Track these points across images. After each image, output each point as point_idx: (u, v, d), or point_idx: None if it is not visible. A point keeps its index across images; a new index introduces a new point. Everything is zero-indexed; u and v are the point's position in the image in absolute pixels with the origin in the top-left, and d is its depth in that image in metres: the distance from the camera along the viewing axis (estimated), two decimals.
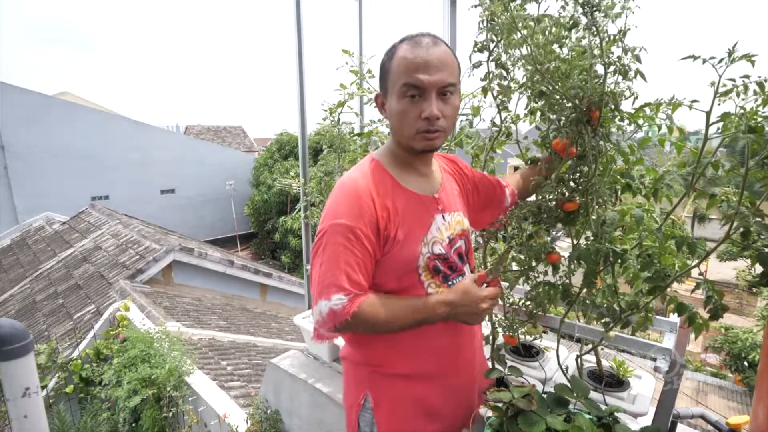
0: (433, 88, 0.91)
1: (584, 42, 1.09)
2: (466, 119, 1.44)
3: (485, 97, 1.28)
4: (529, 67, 1.11)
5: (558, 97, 1.10)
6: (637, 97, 1.06)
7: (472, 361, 1.13)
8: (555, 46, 1.14)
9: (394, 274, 0.97)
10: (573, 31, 1.12)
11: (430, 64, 0.90)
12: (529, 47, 1.07)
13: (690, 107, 0.89)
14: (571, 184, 1.20)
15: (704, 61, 0.83)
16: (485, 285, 1.05)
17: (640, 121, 1.09)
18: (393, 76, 0.93)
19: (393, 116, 0.96)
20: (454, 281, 1.04)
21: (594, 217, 1.15)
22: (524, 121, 1.32)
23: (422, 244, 0.98)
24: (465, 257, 1.09)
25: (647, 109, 1.05)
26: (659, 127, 1.06)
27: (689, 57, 0.86)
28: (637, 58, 1.01)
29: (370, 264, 0.93)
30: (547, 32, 1.10)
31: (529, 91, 1.19)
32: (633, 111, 1.09)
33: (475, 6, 1.14)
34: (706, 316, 1.00)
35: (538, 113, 1.23)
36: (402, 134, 0.96)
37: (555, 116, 1.14)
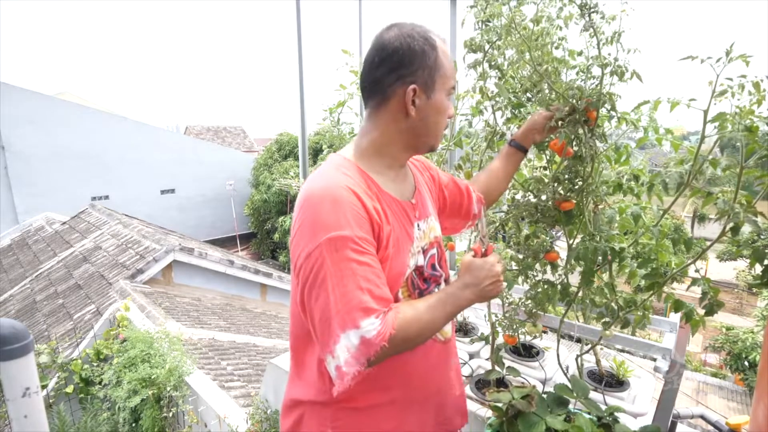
0: None
1: (581, 42, 1.09)
2: (466, 119, 1.44)
3: (482, 97, 1.28)
4: (527, 68, 1.11)
5: (554, 97, 1.10)
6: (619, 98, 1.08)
7: (447, 378, 1.02)
8: (552, 47, 1.15)
9: None
10: (567, 30, 1.13)
11: None
12: (527, 48, 1.07)
13: (688, 106, 0.90)
14: (561, 187, 1.20)
15: (702, 61, 0.84)
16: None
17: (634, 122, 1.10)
18: (443, 72, 0.87)
19: (437, 113, 0.89)
20: (431, 294, 0.93)
21: (589, 217, 1.15)
22: (508, 129, 1.33)
23: (410, 255, 0.89)
24: (438, 266, 0.99)
25: (643, 108, 1.07)
26: (645, 129, 1.08)
27: (688, 57, 0.86)
28: (605, 66, 1.01)
29: (383, 273, 0.80)
30: (544, 33, 1.11)
31: (513, 97, 1.21)
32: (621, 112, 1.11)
33: (472, 6, 1.15)
34: (702, 313, 1.01)
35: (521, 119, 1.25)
36: (438, 132, 0.92)
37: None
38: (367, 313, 0.73)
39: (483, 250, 0.90)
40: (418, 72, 0.84)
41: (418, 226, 0.94)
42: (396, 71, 0.84)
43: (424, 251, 0.95)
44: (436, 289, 0.96)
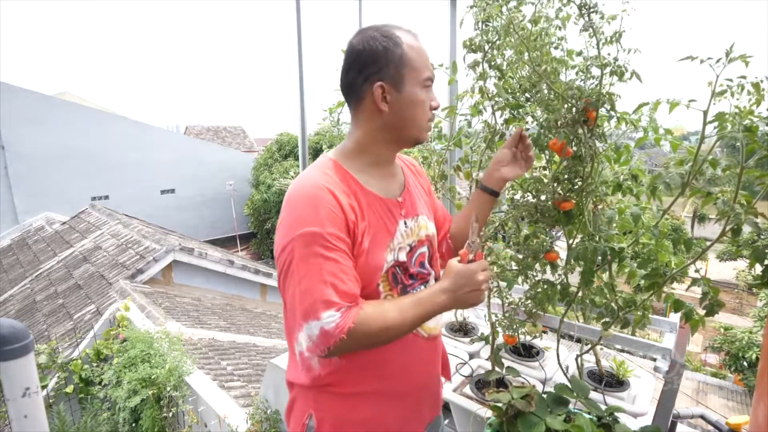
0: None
1: (581, 42, 1.09)
2: (465, 119, 1.44)
3: (481, 97, 1.28)
4: (527, 68, 1.11)
5: (553, 97, 1.10)
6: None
7: (430, 374, 1.05)
8: (551, 47, 1.15)
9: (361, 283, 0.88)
10: (566, 30, 1.13)
11: None
12: (526, 48, 1.07)
13: (687, 106, 0.90)
14: (560, 187, 1.20)
15: (702, 61, 0.84)
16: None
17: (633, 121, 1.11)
18: (413, 66, 0.89)
19: (410, 107, 0.90)
20: (415, 291, 0.97)
21: (589, 217, 1.16)
22: (507, 129, 1.33)
23: (388, 250, 0.91)
24: (429, 264, 1.01)
25: (643, 108, 1.07)
26: (645, 130, 1.08)
27: (688, 57, 0.86)
28: (604, 66, 1.01)
29: (353, 269, 0.84)
30: (543, 34, 1.11)
31: (512, 98, 1.21)
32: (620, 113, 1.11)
33: (471, 6, 1.15)
34: (702, 313, 1.02)
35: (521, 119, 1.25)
36: (416, 125, 0.93)
37: (552, 116, 1.14)
38: (328, 306, 0.78)
39: (471, 256, 0.89)
40: (384, 69, 0.88)
41: (405, 223, 0.96)
42: (363, 72, 0.89)
43: (412, 248, 0.97)
44: (422, 287, 0.98)
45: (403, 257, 0.94)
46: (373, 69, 0.88)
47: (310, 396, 0.95)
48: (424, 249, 1.00)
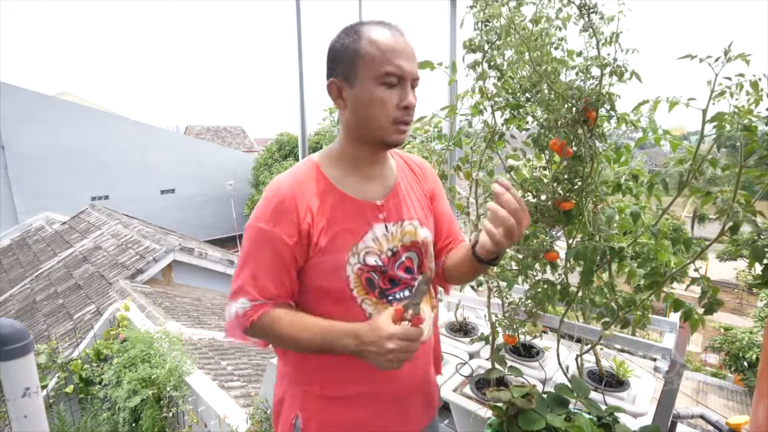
0: (410, 78, 0.85)
1: (581, 43, 1.09)
2: (465, 119, 1.45)
3: (481, 97, 1.28)
4: (527, 68, 1.11)
5: (553, 97, 1.10)
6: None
7: (420, 377, 1.01)
8: (551, 47, 1.15)
9: (322, 284, 0.88)
10: (567, 31, 1.13)
11: (408, 53, 0.86)
12: (526, 48, 1.07)
13: (687, 105, 0.90)
14: (560, 187, 1.21)
15: (701, 60, 0.84)
16: (408, 323, 0.79)
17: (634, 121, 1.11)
18: (368, 60, 0.82)
19: (364, 105, 0.84)
20: (396, 296, 0.92)
21: (588, 217, 1.16)
22: (507, 129, 1.33)
23: (350, 253, 0.87)
24: (415, 271, 0.96)
25: (642, 108, 1.07)
26: (644, 130, 1.08)
27: (686, 56, 0.86)
28: (604, 66, 1.01)
29: (284, 271, 0.86)
30: (543, 34, 1.11)
31: (510, 98, 1.21)
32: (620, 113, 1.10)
33: (471, 6, 1.15)
34: (701, 312, 1.02)
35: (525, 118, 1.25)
36: (375, 125, 0.85)
37: (552, 116, 1.14)
38: (243, 294, 0.86)
39: (407, 315, 0.79)
40: (340, 66, 0.87)
41: (386, 227, 0.92)
42: (327, 70, 0.90)
43: (395, 253, 0.92)
44: (406, 292, 0.94)
45: (373, 261, 0.89)
46: (332, 66, 0.88)
47: (297, 394, 0.95)
48: (411, 254, 0.95)
